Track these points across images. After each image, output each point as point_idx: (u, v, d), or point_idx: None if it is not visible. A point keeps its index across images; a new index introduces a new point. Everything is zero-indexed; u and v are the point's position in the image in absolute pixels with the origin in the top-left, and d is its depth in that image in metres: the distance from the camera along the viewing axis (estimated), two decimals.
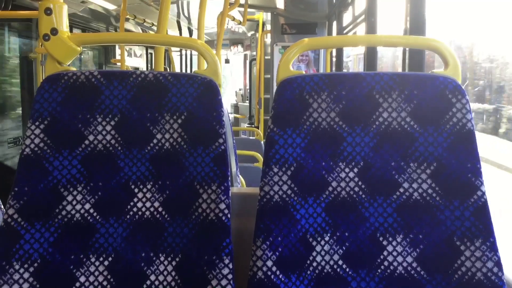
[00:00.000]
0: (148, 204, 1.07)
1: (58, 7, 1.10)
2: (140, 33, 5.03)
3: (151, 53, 7.60)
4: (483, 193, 1.03)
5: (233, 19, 4.41)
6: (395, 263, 1.03)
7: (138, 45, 7.02)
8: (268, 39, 5.94)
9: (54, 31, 1.11)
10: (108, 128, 1.09)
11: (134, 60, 7.38)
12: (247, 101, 8.45)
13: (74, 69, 1.14)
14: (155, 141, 1.09)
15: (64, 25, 1.12)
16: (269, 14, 5.38)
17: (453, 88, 1.05)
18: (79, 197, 1.07)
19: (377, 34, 2.29)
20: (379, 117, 1.06)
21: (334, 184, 1.05)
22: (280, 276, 1.01)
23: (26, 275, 1.03)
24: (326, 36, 4.22)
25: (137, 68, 6.89)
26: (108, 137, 1.09)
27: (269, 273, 1.01)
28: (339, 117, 1.07)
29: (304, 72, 1.11)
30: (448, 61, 1.08)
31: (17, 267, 1.03)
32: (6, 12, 3.16)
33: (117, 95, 1.10)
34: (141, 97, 1.10)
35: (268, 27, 5.76)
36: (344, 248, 1.04)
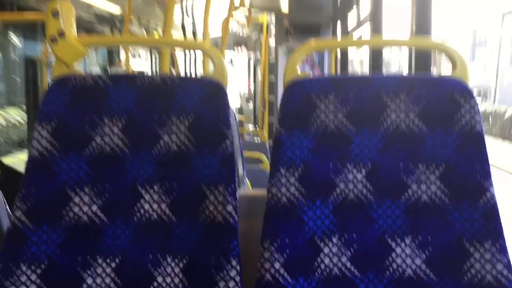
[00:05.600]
0: (155, 206, 1.07)
1: (66, 9, 1.11)
2: (148, 36, 5.04)
3: (154, 56, 7.62)
4: (492, 195, 1.02)
5: (238, 21, 4.42)
6: (403, 265, 1.03)
7: (143, 48, 7.04)
8: (272, 41, 5.95)
9: (61, 34, 1.11)
10: (115, 130, 1.09)
11: (138, 62, 7.40)
12: (251, 103, 8.45)
13: (81, 71, 1.14)
14: (162, 143, 1.09)
15: (71, 27, 1.12)
16: (273, 16, 5.38)
17: (461, 89, 1.05)
18: (86, 199, 1.07)
19: (383, 35, 2.29)
20: (387, 119, 1.06)
21: (341, 186, 1.05)
22: (288, 278, 1.00)
23: (33, 277, 1.03)
24: (333, 38, 4.22)
25: (142, 71, 6.90)
26: (115, 139, 1.09)
27: (276, 275, 1.00)
28: (347, 119, 1.06)
29: (309, 74, 1.10)
30: (456, 62, 1.08)
31: (24, 268, 1.03)
32: (13, 15, 3.17)
33: (124, 98, 1.10)
34: (148, 99, 1.10)
35: (272, 29, 5.77)
36: (352, 250, 1.03)
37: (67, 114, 1.09)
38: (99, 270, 1.05)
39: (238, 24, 4.52)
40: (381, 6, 2.48)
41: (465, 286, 1.00)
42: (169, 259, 1.05)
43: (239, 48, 9.85)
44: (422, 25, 1.61)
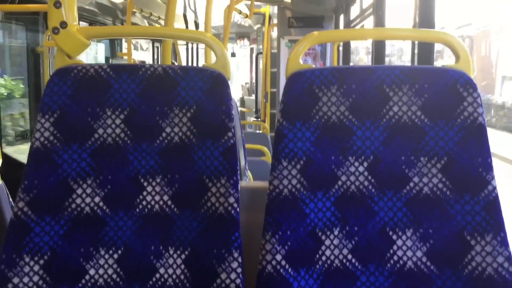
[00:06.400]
0: (157, 198, 1.08)
1: (68, 0, 1.10)
2: (149, 27, 5.03)
3: (157, 47, 7.60)
4: (494, 188, 1.02)
5: (240, 12, 4.40)
6: (404, 258, 1.03)
7: (145, 39, 7.02)
8: (274, 33, 5.92)
9: (64, 24, 1.10)
10: (118, 121, 1.09)
11: (140, 53, 7.39)
12: (253, 95, 8.44)
13: (83, 62, 1.14)
14: (164, 134, 1.09)
15: (73, 18, 1.12)
16: (275, 7, 5.36)
17: (464, 81, 1.04)
18: (88, 191, 1.07)
19: (386, 27, 2.27)
20: (389, 111, 1.06)
21: (343, 178, 1.05)
22: (289, 270, 1.01)
23: (36, 268, 1.04)
24: (336, 29, 4.20)
25: (144, 62, 6.89)
26: (118, 131, 1.09)
27: (278, 267, 1.01)
28: (349, 111, 1.06)
29: (313, 66, 1.10)
30: (459, 54, 1.07)
31: (27, 259, 1.04)
32: (15, 5, 3.16)
33: (126, 89, 1.10)
34: (150, 90, 1.10)
35: (275, 20, 5.74)
36: (353, 242, 1.04)
37: (69, 105, 1.09)
38: (102, 262, 1.05)
39: (241, 14, 4.49)
40: None
41: (466, 278, 1.01)
42: (171, 251, 1.05)
43: (242, 41, 9.82)
44: (425, 16, 1.61)
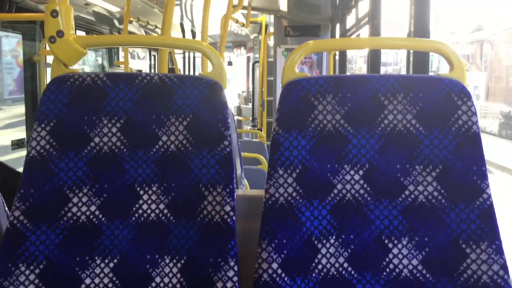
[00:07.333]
0: (153, 206, 1.08)
1: (65, 9, 1.11)
2: (145, 35, 5.04)
3: (154, 55, 7.61)
4: (489, 196, 1.02)
5: (236, 21, 4.42)
6: (400, 266, 1.03)
7: (142, 47, 7.04)
8: (271, 42, 5.95)
9: (60, 33, 1.11)
10: (114, 130, 1.09)
11: (137, 62, 7.40)
12: (250, 104, 8.46)
13: (79, 71, 1.14)
14: (160, 143, 1.09)
15: (70, 27, 1.12)
16: (272, 16, 5.39)
17: (459, 90, 1.05)
18: (84, 199, 1.07)
19: (382, 36, 2.29)
20: (384, 120, 1.06)
21: (339, 186, 1.05)
22: (286, 279, 1.01)
23: (31, 277, 1.03)
24: (331, 39, 4.22)
25: (140, 71, 6.90)
26: (114, 139, 1.09)
27: (274, 275, 1.00)
28: (345, 119, 1.07)
29: (308, 75, 1.11)
30: (453, 63, 1.08)
31: (22, 268, 1.03)
32: (11, 14, 3.17)
33: (123, 97, 1.10)
34: (147, 99, 1.10)
35: (271, 29, 5.77)
36: (349, 250, 1.04)
37: (65, 114, 1.09)
38: (98, 270, 1.05)
39: (238, 23, 4.51)
40: (379, 7, 2.49)
41: (461, 286, 1.01)
42: (167, 259, 1.05)
43: (238, 49, 9.85)
44: (420, 26, 1.62)
